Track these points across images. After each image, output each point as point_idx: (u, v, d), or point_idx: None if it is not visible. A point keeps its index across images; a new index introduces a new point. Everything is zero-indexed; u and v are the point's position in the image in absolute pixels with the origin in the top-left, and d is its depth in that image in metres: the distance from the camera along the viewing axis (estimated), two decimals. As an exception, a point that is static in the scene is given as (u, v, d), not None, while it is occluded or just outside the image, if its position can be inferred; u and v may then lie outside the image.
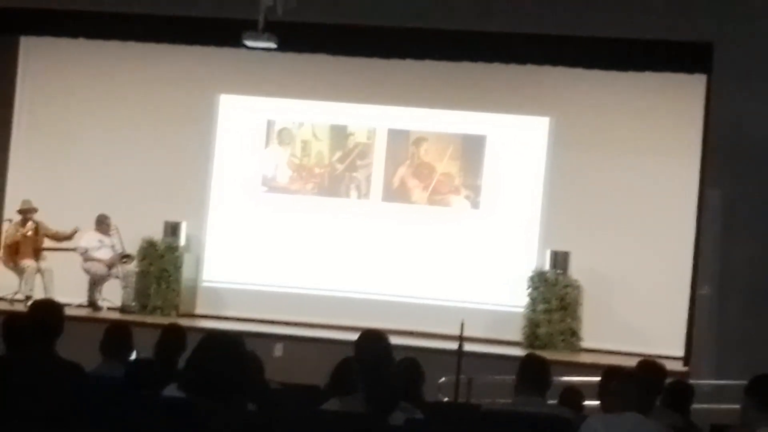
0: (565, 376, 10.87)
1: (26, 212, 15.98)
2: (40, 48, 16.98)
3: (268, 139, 16.93)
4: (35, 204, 16.07)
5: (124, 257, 15.95)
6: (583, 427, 6.23)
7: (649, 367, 7.95)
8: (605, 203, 15.92)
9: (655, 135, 15.82)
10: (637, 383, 6.28)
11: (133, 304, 15.81)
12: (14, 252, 15.94)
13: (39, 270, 15.77)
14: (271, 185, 16.91)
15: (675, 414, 7.63)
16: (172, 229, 16.13)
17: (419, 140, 16.69)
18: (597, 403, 6.70)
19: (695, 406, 8.29)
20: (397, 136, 16.69)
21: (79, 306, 15.44)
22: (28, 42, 17.01)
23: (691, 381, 9.87)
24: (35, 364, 6.50)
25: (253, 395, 5.47)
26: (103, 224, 15.97)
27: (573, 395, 8.55)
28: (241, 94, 16.84)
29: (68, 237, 15.95)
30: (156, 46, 16.09)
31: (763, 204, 13.62)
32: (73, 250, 15.85)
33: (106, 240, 15.94)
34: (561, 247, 15.62)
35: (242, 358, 5.28)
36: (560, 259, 15.53)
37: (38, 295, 14.85)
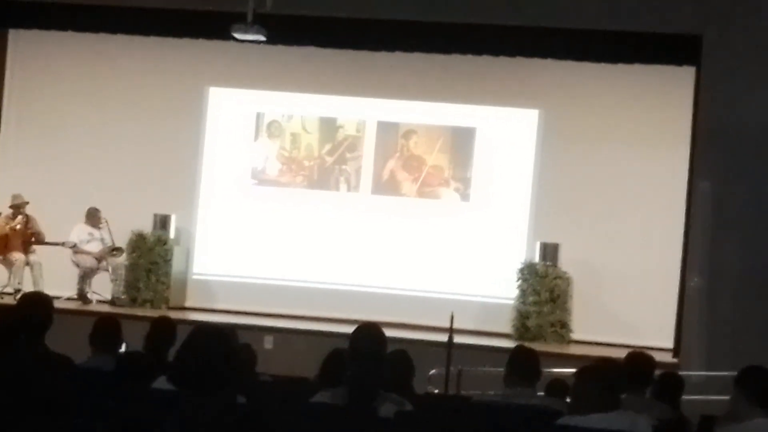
0: (554, 367, 10.86)
1: (17, 207, 15.92)
2: (28, 41, 16.94)
3: (258, 131, 16.92)
4: (24, 197, 16.01)
5: (114, 250, 15.93)
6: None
7: (638, 358, 7.96)
8: (595, 195, 15.94)
9: (645, 127, 15.83)
10: (599, 382, 6.08)
11: (123, 296, 15.79)
12: (3, 245, 15.89)
13: (28, 263, 15.74)
14: (260, 178, 16.90)
15: (665, 405, 7.64)
16: (162, 222, 16.11)
17: (409, 133, 16.69)
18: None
19: (685, 397, 8.32)
20: (386, 129, 16.68)
21: (69, 299, 15.42)
22: (17, 35, 16.98)
23: (681, 372, 9.87)
24: (25, 357, 6.49)
25: (243, 388, 5.46)
26: (94, 217, 15.97)
27: (559, 386, 8.57)
28: (230, 86, 16.83)
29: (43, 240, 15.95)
30: (145, 39, 16.05)
31: (753, 196, 13.64)
32: (62, 244, 15.81)
33: (96, 233, 15.94)
34: (551, 239, 15.63)
35: (232, 351, 5.27)
36: (550, 251, 15.54)
37: (27, 288, 14.82)
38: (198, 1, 14.83)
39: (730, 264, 13.66)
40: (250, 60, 16.27)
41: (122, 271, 15.90)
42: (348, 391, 5.75)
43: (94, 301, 15.70)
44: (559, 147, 16.10)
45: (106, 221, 15.91)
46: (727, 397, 6.44)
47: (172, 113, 16.74)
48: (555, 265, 15.51)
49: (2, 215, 16.05)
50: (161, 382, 5.56)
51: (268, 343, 14.02)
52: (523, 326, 15.33)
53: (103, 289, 15.92)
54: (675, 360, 13.77)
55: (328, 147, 16.78)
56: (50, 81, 17.02)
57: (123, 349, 8.02)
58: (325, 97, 16.61)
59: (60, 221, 15.89)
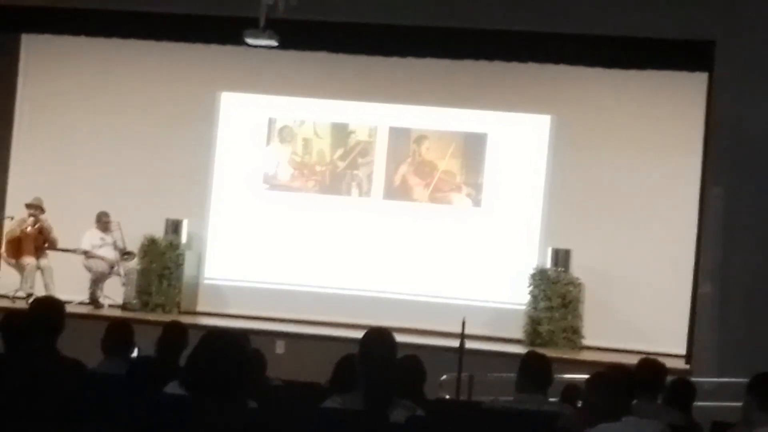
0: (566, 373, 10.87)
1: (31, 207, 15.94)
2: (41, 45, 16.98)
3: (270, 136, 16.94)
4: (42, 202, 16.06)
5: (126, 254, 15.95)
6: None
7: (650, 365, 7.94)
8: (606, 201, 15.93)
9: (657, 133, 15.82)
10: (609, 389, 6.04)
11: (135, 301, 15.82)
12: (16, 249, 15.93)
13: (39, 267, 15.77)
14: (272, 183, 16.91)
15: (676, 412, 7.63)
16: (174, 227, 16.15)
17: (420, 138, 16.69)
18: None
19: (697, 403, 8.29)
20: (398, 134, 16.69)
21: (81, 303, 15.46)
22: (29, 39, 17.01)
23: (693, 379, 9.86)
24: (36, 362, 6.50)
25: (255, 392, 5.46)
26: (102, 222, 15.98)
27: (575, 392, 8.56)
28: (242, 91, 16.86)
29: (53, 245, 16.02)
30: (157, 44, 16.11)
31: (765, 202, 13.62)
32: (74, 251, 15.83)
33: (108, 237, 15.95)
34: (562, 245, 15.63)
35: (243, 356, 5.28)
36: (561, 257, 15.54)
37: (39, 292, 14.84)
38: (210, 6, 14.85)
39: (742, 270, 13.64)
40: (262, 65, 16.29)
41: (134, 276, 15.92)
42: (362, 396, 5.75)
43: (106, 306, 15.73)
44: (570, 153, 16.08)
45: (119, 224, 15.91)
46: (739, 404, 6.42)
47: (184, 118, 16.76)
48: (566, 270, 15.51)
49: (17, 218, 16.08)
50: (173, 387, 5.57)
51: (280, 347, 14.04)
52: (534, 332, 15.33)
53: (114, 293, 15.95)
54: (687, 366, 13.74)
55: (339, 152, 16.79)
56: (62, 86, 17.05)
57: (135, 353, 8.04)
58: (337, 102, 16.63)
59: (72, 225, 15.92)
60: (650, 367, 7.88)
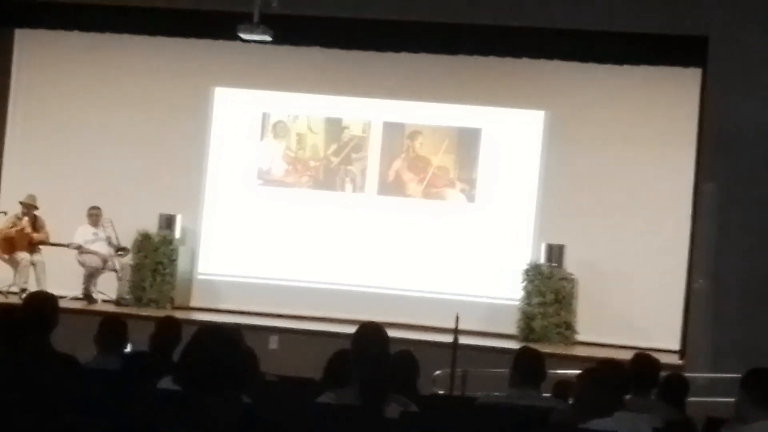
0: (559, 369, 10.88)
1: (25, 205, 15.93)
2: (35, 40, 16.96)
3: (264, 132, 16.92)
4: (37, 199, 16.04)
5: (120, 250, 15.93)
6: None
7: (644, 360, 7.95)
8: (600, 196, 15.92)
9: (651, 129, 15.81)
10: (601, 384, 6.06)
11: (128, 296, 15.80)
12: (9, 244, 15.91)
13: (33, 262, 15.75)
14: (266, 178, 16.90)
15: (670, 407, 7.63)
16: (167, 222, 16.12)
17: (414, 133, 16.68)
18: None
19: (691, 399, 8.29)
20: (392, 130, 16.67)
21: (74, 298, 15.43)
22: (23, 34, 16.98)
23: (687, 374, 9.86)
24: (30, 357, 6.49)
25: (248, 388, 5.46)
26: (92, 216, 15.95)
27: (565, 387, 8.56)
28: (236, 86, 16.83)
29: (43, 241, 16.01)
30: (151, 39, 16.09)
31: (758, 197, 13.63)
32: (67, 246, 15.82)
33: (101, 232, 15.93)
34: (556, 240, 15.61)
35: (237, 351, 5.26)
36: (555, 252, 15.52)
37: (32, 287, 14.83)
38: (204, 1, 14.84)
39: (735, 265, 13.65)
40: (256, 60, 16.27)
41: (128, 271, 15.91)
42: (358, 392, 5.75)
43: (100, 301, 15.71)
44: (564, 148, 16.08)
45: (111, 221, 15.90)
46: (732, 399, 6.43)
47: (178, 113, 16.73)
48: (560, 266, 15.49)
49: (10, 215, 16.06)
50: (166, 383, 5.57)
51: (274, 343, 14.04)
52: (528, 327, 15.32)
53: (108, 288, 15.93)
54: (681, 362, 13.76)
55: (333, 147, 16.78)
56: (56, 81, 17.02)
57: (128, 349, 8.03)
58: (331, 97, 16.61)
59: (65, 221, 15.92)
60: (644, 362, 7.89)
